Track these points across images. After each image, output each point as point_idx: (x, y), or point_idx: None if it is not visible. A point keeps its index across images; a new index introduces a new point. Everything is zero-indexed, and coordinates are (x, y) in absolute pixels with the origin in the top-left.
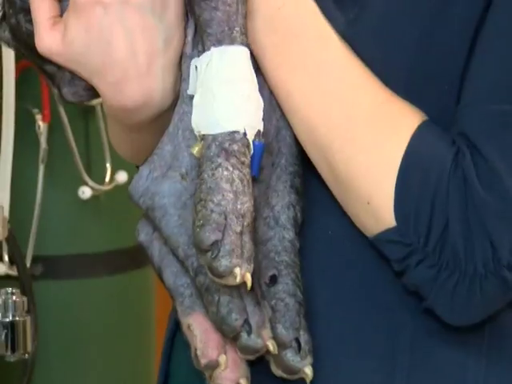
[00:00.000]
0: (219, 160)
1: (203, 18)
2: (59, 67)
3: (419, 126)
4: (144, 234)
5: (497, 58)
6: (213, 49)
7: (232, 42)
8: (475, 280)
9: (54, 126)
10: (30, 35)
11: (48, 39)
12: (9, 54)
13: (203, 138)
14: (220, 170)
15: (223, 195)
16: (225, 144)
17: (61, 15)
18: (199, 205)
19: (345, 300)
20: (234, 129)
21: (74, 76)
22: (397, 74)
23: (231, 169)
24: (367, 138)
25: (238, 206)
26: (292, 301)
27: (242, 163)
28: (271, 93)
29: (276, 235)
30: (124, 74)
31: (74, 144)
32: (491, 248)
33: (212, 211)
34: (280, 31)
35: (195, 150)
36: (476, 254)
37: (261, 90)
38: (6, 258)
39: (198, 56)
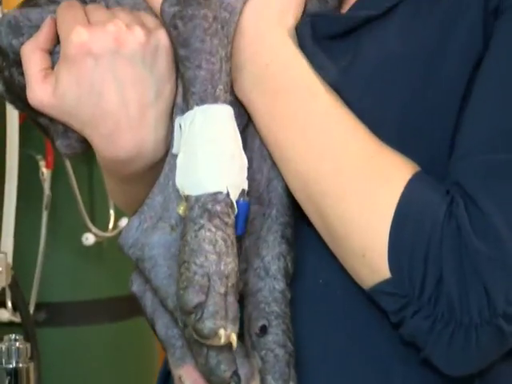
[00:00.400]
0: (202, 221)
1: (187, 76)
2: (52, 120)
3: (412, 177)
4: (137, 285)
5: (492, 107)
6: (196, 108)
7: (215, 100)
8: (471, 330)
9: (58, 173)
10: (23, 88)
11: (39, 92)
12: None
13: (187, 198)
14: (203, 231)
15: (206, 257)
16: (207, 205)
17: (52, 67)
18: (183, 267)
19: (336, 350)
20: (217, 189)
21: (67, 128)
22: (388, 123)
23: (214, 230)
24: (359, 191)
25: (222, 267)
26: (282, 352)
27: (226, 224)
28: (262, 143)
29: (266, 286)
30: (116, 125)
31: (77, 191)
32: (486, 297)
33: (195, 273)
34: (269, 89)
35: (181, 210)
36: (471, 303)
37: (252, 140)
38: (9, 304)
39: (183, 113)
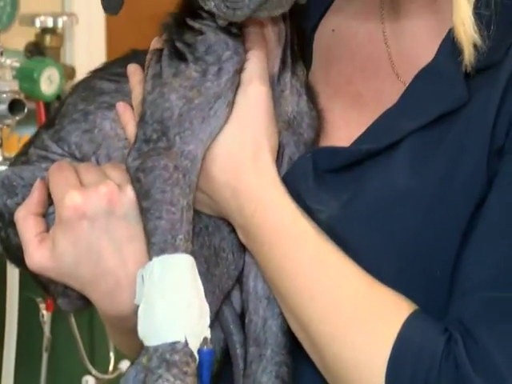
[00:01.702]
0: (160, 371)
1: (148, 228)
2: (52, 280)
3: (409, 315)
4: None
5: (493, 245)
6: (154, 259)
7: (175, 250)
8: None
9: (58, 315)
10: (20, 249)
11: (37, 256)
12: None
13: (147, 349)
14: (160, 381)
15: None
16: (165, 355)
17: (47, 229)
18: None
19: None
20: (175, 339)
21: (67, 287)
22: (388, 260)
23: (172, 380)
24: (354, 331)
25: None
26: None
27: (185, 373)
28: (255, 284)
29: None
30: (116, 283)
31: (77, 333)
32: None
33: None
34: (257, 239)
35: (144, 360)
36: None
37: (246, 282)
38: None
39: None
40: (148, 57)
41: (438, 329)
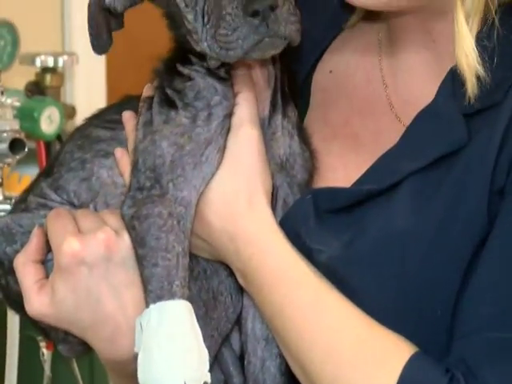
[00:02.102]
0: None
1: (144, 275)
2: (52, 325)
3: (410, 356)
4: None
5: (494, 286)
6: (151, 306)
7: (172, 296)
8: None
9: (59, 354)
10: (20, 295)
11: (37, 303)
12: None
13: None
14: None
15: None
16: None
17: (46, 275)
18: None
19: None
20: None
21: (68, 333)
22: (389, 299)
23: None
24: (354, 375)
25: None
26: None
27: None
28: (253, 325)
29: None
30: (116, 328)
31: (78, 372)
32: None
33: None
34: (255, 282)
35: None
36: None
37: (245, 323)
38: None
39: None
40: (140, 104)
41: (440, 369)
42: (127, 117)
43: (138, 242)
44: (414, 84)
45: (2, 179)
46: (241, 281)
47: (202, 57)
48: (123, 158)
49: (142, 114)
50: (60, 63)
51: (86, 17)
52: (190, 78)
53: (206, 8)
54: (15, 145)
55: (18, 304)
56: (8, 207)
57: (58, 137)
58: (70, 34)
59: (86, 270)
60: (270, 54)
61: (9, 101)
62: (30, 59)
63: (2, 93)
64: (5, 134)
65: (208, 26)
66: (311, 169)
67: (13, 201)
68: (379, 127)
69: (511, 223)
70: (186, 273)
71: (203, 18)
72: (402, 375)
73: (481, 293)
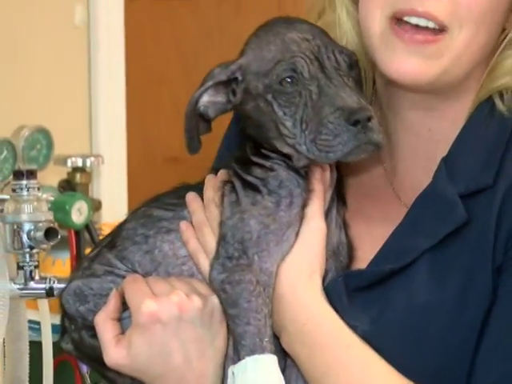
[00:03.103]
0: None
1: (237, 332)
2: (120, 374)
3: None
4: None
5: (497, 355)
6: (247, 358)
7: (263, 351)
8: None
9: None
10: (94, 348)
11: (115, 355)
12: (48, 342)
13: None
14: None
15: None
16: None
17: (122, 332)
18: None
19: None
20: None
21: (134, 381)
22: (415, 366)
23: None
24: None
25: None
26: None
27: None
28: None
29: None
30: (182, 378)
31: None
32: None
33: None
34: (307, 344)
35: None
36: None
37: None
38: None
39: (234, 362)
40: (219, 186)
41: None
42: (191, 197)
43: (230, 304)
44: (413, 170)
45: (39, 262)
46: (287, 344)
47: (277, 152)
48: (188, 229)
49: (226, 195)
50: (88, 164)
51: (109, 123)
52: (271, 170)
53: (304, 117)
54: (50, 233)
55: (89, 356)
56: (44, 285)
57: (86, 226)
58: (97, 139)
59: (160, 327)
60: (361, 157)
61: (44, 196)
62: (63, 160)
63: (39, 189)
64: (41, 224)
65: (307, 132)
66: (351, 255)
67: (48, 280)
68: (386, 209)
69: (508, 297)
70: (272, 332)
71: (301, 124)
72: None
73: (486, 361)
